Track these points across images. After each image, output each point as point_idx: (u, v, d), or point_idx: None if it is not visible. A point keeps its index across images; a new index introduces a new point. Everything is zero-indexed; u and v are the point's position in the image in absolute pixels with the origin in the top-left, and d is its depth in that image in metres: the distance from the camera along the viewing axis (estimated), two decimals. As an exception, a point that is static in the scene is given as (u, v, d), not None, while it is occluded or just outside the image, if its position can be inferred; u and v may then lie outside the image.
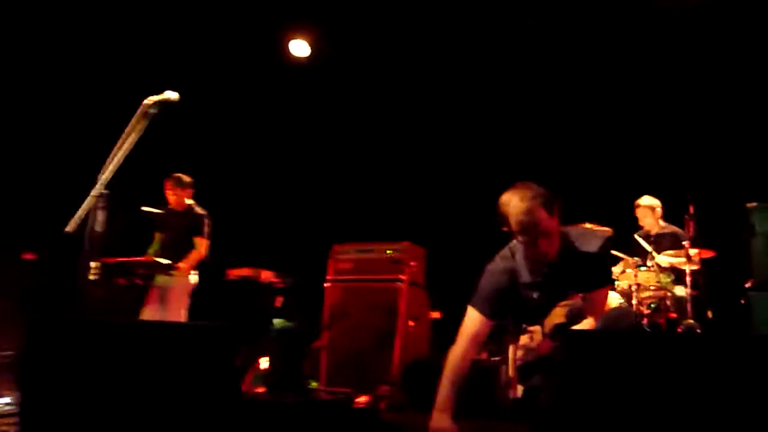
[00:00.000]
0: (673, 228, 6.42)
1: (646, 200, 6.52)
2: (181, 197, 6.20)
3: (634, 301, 5.86)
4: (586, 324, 3.07)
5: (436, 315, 6.61)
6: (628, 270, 6.07)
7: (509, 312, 3.19)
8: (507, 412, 3.37)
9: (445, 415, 2.98)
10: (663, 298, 5.91)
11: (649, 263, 6.02)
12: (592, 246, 3.02)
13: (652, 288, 5.96)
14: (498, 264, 3.18)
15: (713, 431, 1.93)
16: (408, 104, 8.36)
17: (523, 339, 3.20)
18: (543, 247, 2.93)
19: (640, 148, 7.29)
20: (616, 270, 6.31)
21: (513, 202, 2.90)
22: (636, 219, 6.60)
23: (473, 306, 3.12)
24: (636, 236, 6.49)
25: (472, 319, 3.10)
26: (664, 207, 6.54)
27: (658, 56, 7.12)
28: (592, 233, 3.09)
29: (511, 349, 3.31)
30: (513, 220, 2.89)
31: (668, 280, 5.98)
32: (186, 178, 6.24)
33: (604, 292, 3.16)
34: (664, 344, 2.21)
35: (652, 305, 6.05)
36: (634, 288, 5.90)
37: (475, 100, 8.03)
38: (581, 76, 7.45)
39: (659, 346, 2.19)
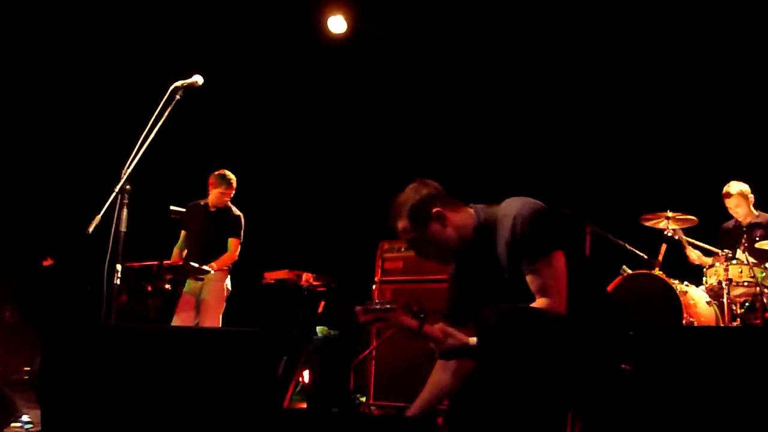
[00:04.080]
0: (768, 215, 6.29)
1: (737, 186, 6.35)
2: (227, 196, 6.34)
3: (724, 300, 5.74)
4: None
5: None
6: (717, 264, 5.96)
7: None
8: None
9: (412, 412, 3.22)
10: (759, 295, 5.77)
11: (740, 256, 5.89)
12: (510, 218, 2.85)
13: (745, 284, 5.83)
14: None
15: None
16: (463, 91, 8.32)
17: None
18: (421, 254, 3.10)
19: (725, 129, 7.15)
20: (705, 259, 6.20)
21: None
22: (724, 208, 6.46)
23: None
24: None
25: None
26: (755, 192, 6.40)
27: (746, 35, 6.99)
28: (515, 204, 2.89)
29: None
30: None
31: (764, 274, 5.84)
32: (234, 177, 6.37)
33: (535, 274, 2.80)
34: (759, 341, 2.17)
35: (746, 303, 5.91)
36: (724, 284, 5.78)
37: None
38: (661, 60, 7.36)
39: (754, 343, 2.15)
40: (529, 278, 2.80)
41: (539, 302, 2.75)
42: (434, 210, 2.97)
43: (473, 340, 2.78)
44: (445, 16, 7.76)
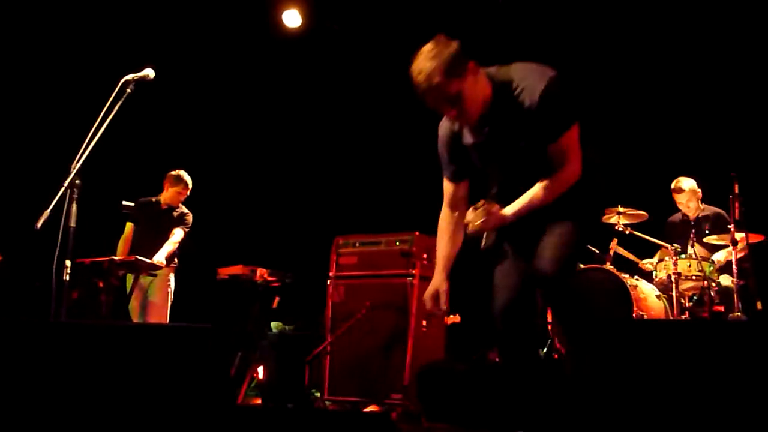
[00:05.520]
0: (714, 209, 6.38)
1: (689, 183, 6.41)
2: (182, 196, 6.32)
3: (673, 293, 5.84)
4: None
5: (454, 319, 6.52)
6: (667, 258, 6.05)
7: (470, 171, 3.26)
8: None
9: (441, 276, 3.24)
10: (706, 289, 5.88)
11: (690, 250, 5.99)
12: (535, 90, 2.84)
13: (693, 278, 5.92)
14: (443, 125, 3.21)
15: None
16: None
17: (469, 215, 3.00)
18: (456, 113, 2.93)
19: (673, 123, 7.25)
20: (652, 260, 6.29)
21: (414, 73, 2.87)
22: (672, 201, 6.55)
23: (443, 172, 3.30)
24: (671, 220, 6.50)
25: (444, 185, 3.31)
26: (702, 187, 6.49)
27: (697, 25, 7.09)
28: (534, 73, 2.91)
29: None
30: (418, 93, 2.88)
31: (712, 268, 5.94)
32: (190, 179, 6.34)
33: (559, 145, 2.94)
34: (707, 333, 2.21)
35: (695, 297, 6.02)
36: (673, 278, 5.86)
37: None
38: (612, 44, 7.43)
39: (702, 335, 2.18)
40: (552, 149, 2.93)
41: (561, 169, 2.94)
42: (470, 61, 2.87)
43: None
44: (401, 9, 7.74)
